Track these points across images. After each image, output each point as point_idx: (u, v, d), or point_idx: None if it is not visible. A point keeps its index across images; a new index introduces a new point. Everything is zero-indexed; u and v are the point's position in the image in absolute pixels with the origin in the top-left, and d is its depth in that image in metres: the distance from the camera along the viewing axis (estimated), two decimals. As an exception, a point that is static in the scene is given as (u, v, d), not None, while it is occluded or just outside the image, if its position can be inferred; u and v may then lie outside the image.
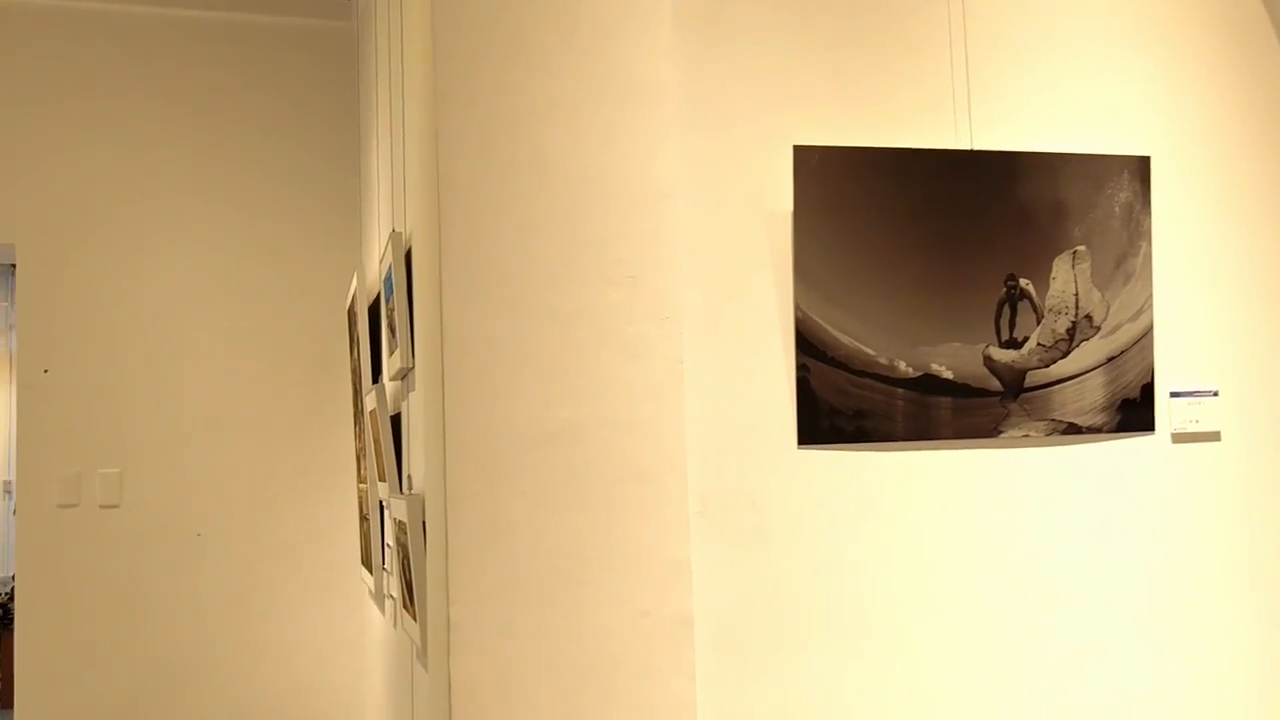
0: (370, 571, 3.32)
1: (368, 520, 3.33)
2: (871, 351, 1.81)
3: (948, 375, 1.84)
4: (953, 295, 1.85)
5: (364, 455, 3.31)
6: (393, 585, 2.86)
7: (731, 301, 1.78)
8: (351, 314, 3.54)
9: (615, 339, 1.65)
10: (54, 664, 3.73)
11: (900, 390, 1.82)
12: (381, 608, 3.21)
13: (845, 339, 1.80)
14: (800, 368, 1.79)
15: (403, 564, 2.24)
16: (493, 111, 1.61)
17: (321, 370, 4.01)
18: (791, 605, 1.73)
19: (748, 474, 1.75)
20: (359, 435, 3.48)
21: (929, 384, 1.83)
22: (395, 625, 2.83)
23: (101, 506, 3.83)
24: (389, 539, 2.93)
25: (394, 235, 2.35)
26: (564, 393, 1.62)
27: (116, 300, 3.88)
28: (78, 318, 3.84)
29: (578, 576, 1.60)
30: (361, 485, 3.49)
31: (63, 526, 3.79)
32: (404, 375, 2.51)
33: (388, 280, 2.48)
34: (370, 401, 2.87)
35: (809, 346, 1.79)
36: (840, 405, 1.80)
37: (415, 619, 2.08)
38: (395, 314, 2.37)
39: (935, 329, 1.84)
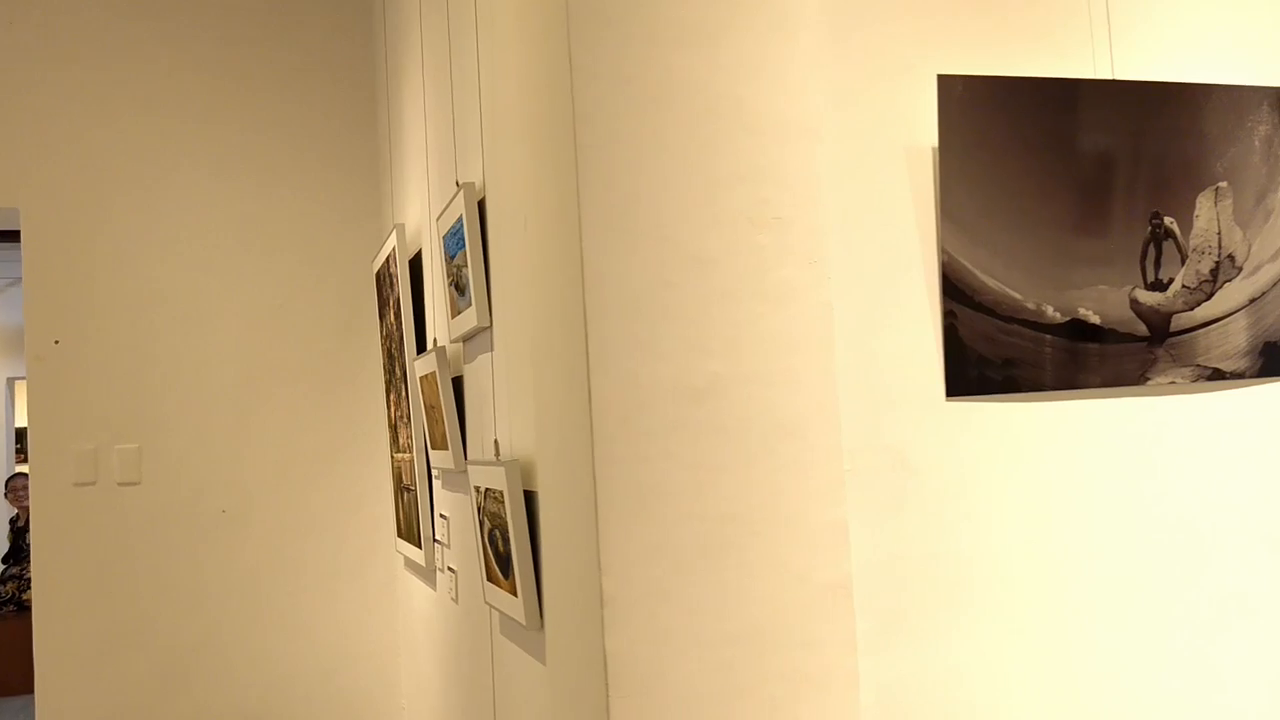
0: (414, 544, 3.19)
1: (411, 491, 3.19)
2: (1018, 295, 1.69)
3: (1095, 320, 1.73)
4: (1098, 235, 1.74)
5: (405, 423, 3.17)
6: (451, 558, 2.73)
7: (872, 244, 1.66)
8: (384, 276, 3.38)
9: (761, 285, 1.52)
10: (75, 649, 3.57)
11: (1048, 337, 1.71)
12: (431, 581, 3.08)
13: (992, 283, 1.69)
14: (947, 314, 1.68)
15: (488, 535, 2.12)
16: (630, 39, 1.47)
17: (348, 337, 3.85)
18: (944, 567, 1.62)
19: (894, 429, 1.64)
20: (396, 403, 3.34)
21: (1077, 329, 1.72)
22: (455, 599, 2.70)
23: (120, 484, 3.66)
24: (444, 510, 2.80)
25: (465, 187, 2.20)
26: (711, 345, 1.49)
27: (130, 266, 3.69)
28: (90, 285, 3.66)
29: (731, 542, 1.48)
30: (400, 455, 3.35)
31: (80, 505, 3.62)
32: (473, 336, 2.37)
33: (454, 236, 2.34)
34: (423, 365, 2.72)
35: (955, 291, 1.68)
36: (989, 353, 1.69)
37: (514, 592, 1.96)
38: (468, 271, 2.23)
39: (1081, 271, 1.72)
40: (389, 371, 3.48)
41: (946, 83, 1.67)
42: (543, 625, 1.90)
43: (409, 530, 3.30)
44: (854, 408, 1.62)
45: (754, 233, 1.52)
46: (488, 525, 2.12)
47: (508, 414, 2.10)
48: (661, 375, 1.47)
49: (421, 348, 3.05)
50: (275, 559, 3.74)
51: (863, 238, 1.66)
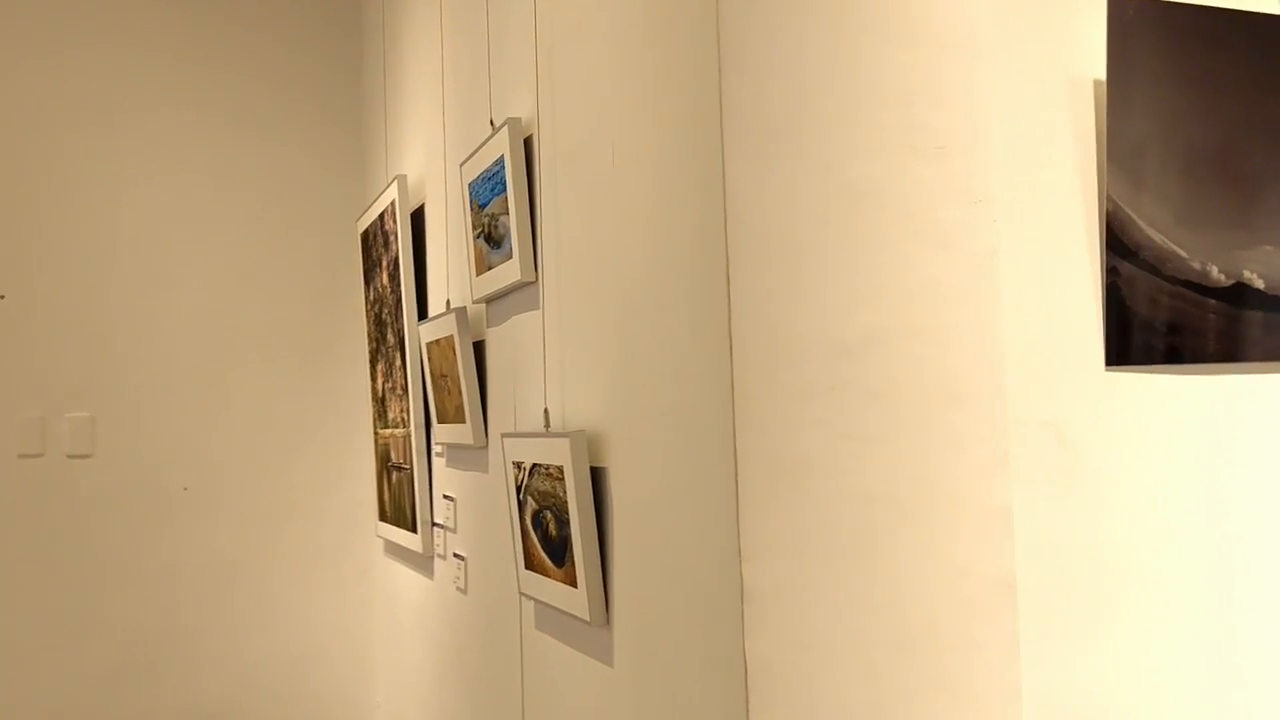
0: (406, 528, 2.91)
1: (402, 470, 2.91)
2: (1184, 253, 1.49)
3: (1259, 285, 1.53)
4: (1270, 189, 1.53)
5: (399, 396, 2.89)
6: (457, 543, 2.46)
7: (1025, 187, 1.44)
8: (374, 235, 3.09)
9: (921, 225, 1.29)
10: (19, 639, 3.22)
11: (1211, 301, 1.51)
12: (426, 569, 2.81)
13: (1157, 237, 1.47)
14: (1110, 271, 1.46)
15: (532, 518, 1.86)
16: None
17: (328, 301, 3.54)
18: (1108, 561, 1.41)
19: (1050, 400, 1.42)
20: (386, 374, 3.05)
21: (1241, 295, 1.52)
22: (462, 589, 2.44)
23: (70, 456, 3.31)
24: (449, 490, 2.53)
25: (510, 123, 1.93)
26: (865, 292, 1.26)
27: (84, 214, 3.34)
28: (38, 234, 3.30)
29: (883, 527, 1.25)
30: (389, 431, 3.07)
31: (25, 480, 3.27)
32: (505, 295, 2.10)
33: (488, 181, 2.07)
34: (433, 330, 2.45)
35: (1119, 245, 1.46)
36: (1152, 318, 1.48)
37: (570, 583, 1.70)
38: (509, 219, 1.97)
39: (1249, 229, 1.52)
40: (376, 340, 3.18)
41: (1119, 5, 1.45)
42: (608, 621, 1.66)
43: (397, 513, 3.02)
44: (1006, 375, 1.40)
45: (914, 163, 1.29)
46: (531, 506, 1.86)
47: (560, 381, 1.84)
48: (810, 325, 1.23)
49: (423, 312, 2.77)
50: (242, 542, 3.42)
51: (1016, 179, 1.43)
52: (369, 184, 3.46)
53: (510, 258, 2.00)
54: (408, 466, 2.86)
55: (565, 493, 1.70)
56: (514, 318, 2.10)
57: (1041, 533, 1.41)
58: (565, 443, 1.67)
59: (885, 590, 1.25)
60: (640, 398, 1.46)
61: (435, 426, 2.58)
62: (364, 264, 3.30)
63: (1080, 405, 1.45)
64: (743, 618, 1.18)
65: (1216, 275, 1.51)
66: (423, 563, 2.84)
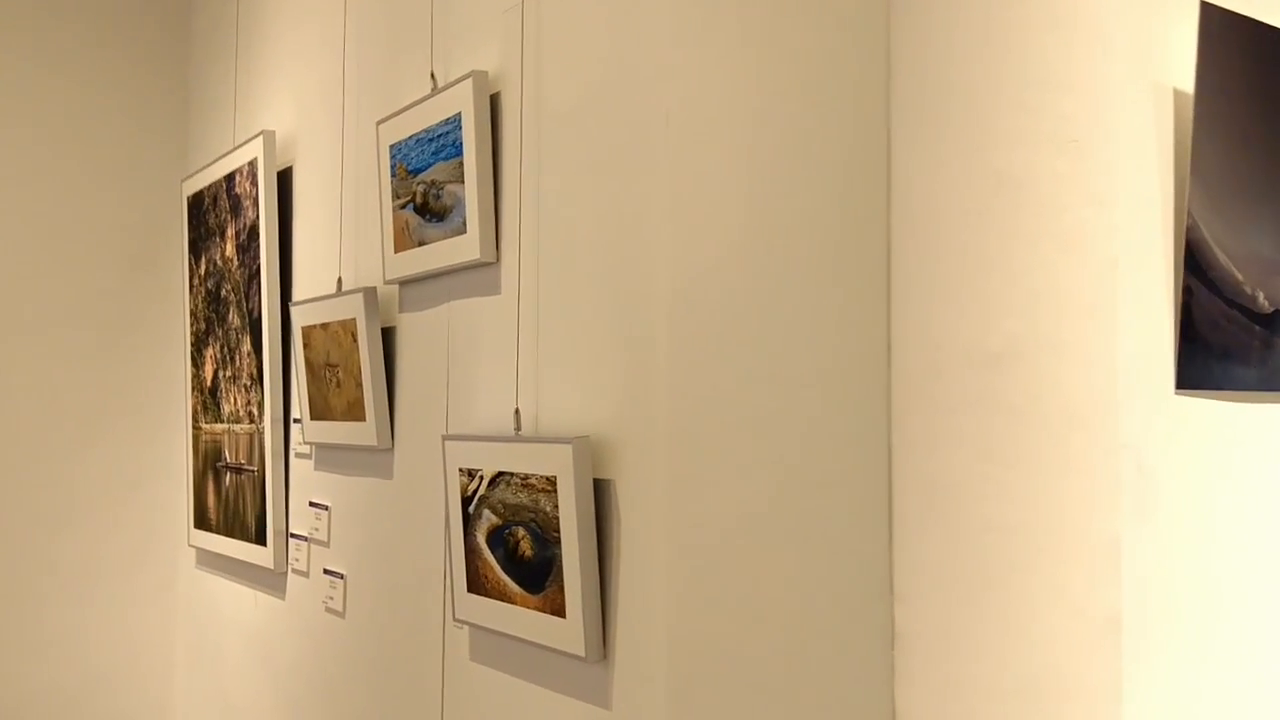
0: (243, 538, 2.53)
1: (245, 472, 2.53)
2: (1240, 277, 1.44)
3: (1293, 315, 1.51)
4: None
5: (240, 385, 2.51)
6: (332, 559, 2.15)
7: (1109, 196, 1.35)
8: (213, 199, 2.68)
9: (1054, 225, 1.17)
10: None
11: (1256, 328, 1.48)
12: (275, 586, 2.44)
13: (1222, 258, 1.42)
14: (1185, 290, 1.39)
15: (493, 535, 1.60)
16: None
17: (138, 273, 3.05)
18: (1192, 595, 1.33)
19: (1125, 424, 1.33)
20: (220, 360, 2.65)
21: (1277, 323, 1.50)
22: (339, 612, 2.12)
23: None
24: (318, 497, 2.21)
25: (475, 76, 1.67)
26: (1012, 296, 1.12)
27: None
28: None
29: (1017, 561, 1.11)
30: (221, 427, 2.66)
31: None
32: (435, 276, 1.83)
33: (429, 143, 1.79)
34: (320, 311, 2.12)
35: (1194, 264, 1.40)
36: (1214, 340, 1.42)
37: (556, 612, 1.47)
38: (462, 189, 1.70)
39: (1291, 257, 1.50)
40: (207, 320, 2.76)
41: (1210, 13, 1.39)
42: (605, 657, 1.43)
43: (232, 522, 2.62)
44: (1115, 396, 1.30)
45: (1052, 155, 1.17)
46: (490, 521, 1.61)
47: (533, 378, 1.59)
48: (959, 331, 1.08)
49: (286, 290, 2.41)
50: (17, 553, 2.88)
51: (1102, 186, 1.34)
52: (198, 140, 3.02)
53: (461, 233, 1.73)
54: (253, 469, 2.48)
55: (556, 508, 1.46)
56: (451, 303, 1.82)
57: (1127, 562, 1.32)
58: (565, 450, 1.43)
59: (1013, 631, 1.11)
60: (690, 403, 1.25)
61: (306, 424, 2.23)
62: (191, 232, 2.86)
63: (1153, 429, 1.37)
64: (893, 665, 1.00)
65: (1262, 302, 1.49)
66: (270, 580, 2.46)
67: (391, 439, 1.99)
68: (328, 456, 2.22)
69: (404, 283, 1.95)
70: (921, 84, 1.05)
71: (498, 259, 1.69)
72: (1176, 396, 1.39)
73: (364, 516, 2.08)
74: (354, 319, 2.01)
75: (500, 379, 1.67)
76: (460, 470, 1.68)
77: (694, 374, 1.24)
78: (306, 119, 2.36)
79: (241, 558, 2.55)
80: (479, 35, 1.76)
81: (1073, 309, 1.19)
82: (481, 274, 1.73)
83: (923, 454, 1.03)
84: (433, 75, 1.85)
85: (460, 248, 1.74)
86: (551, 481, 1.47)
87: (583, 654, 1.43)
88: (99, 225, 2.98)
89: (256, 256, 2.45)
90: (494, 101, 1.70)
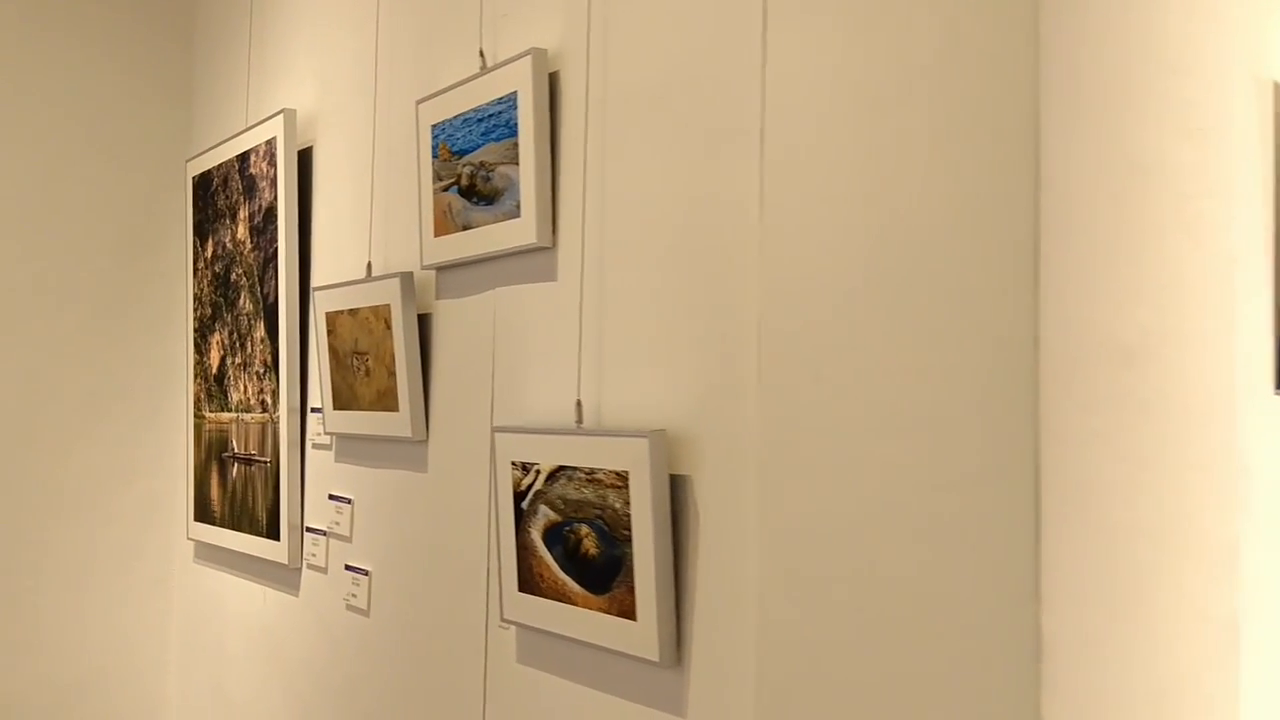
0: (252, 533, 2.44)
1: (254, 462, 2.44)
2: (1329, 276, 1.40)
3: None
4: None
5: (250, 373, 2.42)
6: (355, 554, 2.07)
7: (1206, 191, 1.31)
8: (225, 179, 2.58)
9: (1179, 215, 1.12)
10: None
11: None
12: (287, 583, 2.35)
13: (1318, 255, 1.38)
14: (1283, 288, 1.36)
15: (551, 532, 1.54)
16: None
17: (138, 253, 2.94)
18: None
19: (1224, 424, 1.29)
20: (229, 346, 2.56)
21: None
22: (364, 610, 2.05)
23: None
24: (338, 490, 2.13)
25: (534, 54, 1.60)
26: (1145, 286, 1.07)
27: None
28: None
29: (1149, 564, 1.07)
30: (230, 416, 2.57)
31: None
32: (477, 262, 1.76)
33: (476, 124, 1.72)
34: (351, 297, 2.04)
35: (1293, 261, 1.36)
36: (1310, 341, 1.39)
37: (624, 614, 1.40)
38: (517, 171, 1.63)
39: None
40: (215, 305, 2.66)
41: (1316, 2, 1.35)
42: (679, 661, 1.37)
43: (240, 515, 2.53)
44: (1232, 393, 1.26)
45: (1180, 144, 1.12)
46: (547, 517, 1.54)
47: (596, 369, 1.53)
48: (1097, 324, 1.03)
49: (305, 274, 2.32)
50: (5, 545, 2.76)
51: (1222, 177, 1.30)
52: (204, 118, 2.91)
53: (514, 217, 1.66)
54: (265, 459, 2.39)
55: (627, 504, 1.39)
56: (498, 289, 1.75)
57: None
58: (640, 444, 1.37)
59: (1149, 638, 1.06)
60: (795, 398, 1.19)
61: (328, 414, 2.15)
62: (198, 213, 2.76)
63: (1250, 431, 1.33)
64: (1039, 677, 0.95)
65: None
66: (282, 575, 2.37)
67: (426, 430, 1.91)
68: (351, 448, 2.14)
69: (442, 268, 1.88)
70: (1069, 62, 0.99)
71: (554, 244, 1.62)
72: (1275, 396, 1.36)
73: (392, 511, 2.00)
74: (388, 305, 1.93)
75: (557, 369, 1.60)
76: (513, 464, 1.61)
77: (800, 368, 1.18)
78: (330, 97, 2.28)
79: (249, 552, 2.46)
80: (534, 11, 1.69)
81: (1195, 303, 1.14)
82: (535, 259, 1.66)
83: (1068, 452, 0.98)
84: (481, 53, 1.78)
85: (513, 232, 1.67)
86: (623, 477, 1.40)
87: (656, 658, 1.36)
88: (95, 203, 2.87)
89: (273, 240, 2.36)
90: (552, 80, 1.63)
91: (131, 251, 2.91)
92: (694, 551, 1.36)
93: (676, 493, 1.38)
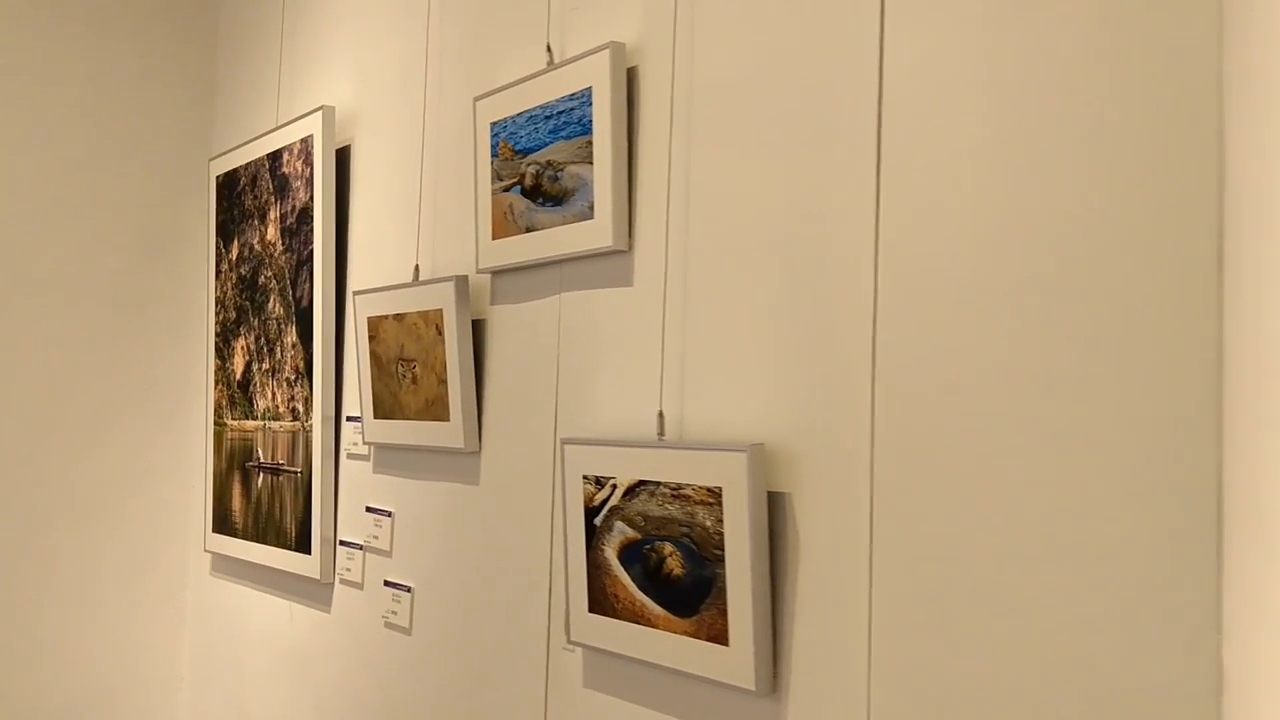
0: (281, 545, 2.35)
1: (282, 472, 2.35)
2: None
3: None
4: None
5: (283, 381, 2.33)
6: (394, 570, 1.98)
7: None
8: (256, 177, 2.50)
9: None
10: None
11: None
12: (318, 598, 2.26)
13: None
14: None
15: (628, 551, 1.46)
16: None
17: (155, 254, 2.84)
18: None
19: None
20: (255, 352, 2.47)
21: None
22: (406, 628, 1.96)
23: None
24: (375, 501, 2.04)
25: (613, 49, 1.53)
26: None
27: None
28: None
29: (1312, 594, 0.99)
30: (255, 424, 2.48)
31: None
32: (553, 265, 1.68)
33: (551, 119, 1.65)
34: (394, 301, 1.96)
35: None
36: None
37: (716, 639, 1.32)
38: (598, 170, 1.56)
39: None
40: (239, 309, 2.57)
41: None
42: (775, 689, 1.29)
43: (265, 526, 2.43)
44: None
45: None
46: (624, 535, 1.46)
47: (678, 379, 1.45)
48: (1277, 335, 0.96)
49: (341, 278, 2.24)
50: (14, 554, 2.66)
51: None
52: (228, 116, 2.82)
53: (586, 219, 1.58)
54: (296, 469, 2.30)
55: (719, 522, 1.31)
56: (564, 294, 1.67)
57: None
58: (737, 459, 1.29)
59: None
60: (924, 413, 1.11)
61: (368, 422, 2.06)
62: (221, 213, 2.67)
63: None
64: (1220, 712, 0.88)
65: None
66: (312, 590, 2.28)
67: (479, 441, 1.83)
68: (392, 458, 2.05)
69: (498, 272, 1.80)
70: (1259, 47, 0.93)
71: (630, 247, 1.55)
72: None
73: (439, 525, 1.91)
74: (439, 310, 1.85)
75: (632, 379, 1.52)
76: (585, 477, 1.53)
77: (929, 379, 1.11)
78: (371, 94, 2.20)
79: (275, 566, 2.37)
80: (607, 5, 1.61)
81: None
82: (609, 263, 1.58)
83: (1254, 473, 0.91)
84: (549, 48, 1.70)
85: (584, 234, 1.59)
86: (714, 493, 1.32)
87: (751, 686, 1.28)
88: (112, 202, 2.77)
89: (308, 241, 2.27)
90: (630, 76, 1.56)
91: (148, 252, 2.82)
92: (792, 573, 1.28)
93: (773, 510, 1.30)
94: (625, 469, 1.46)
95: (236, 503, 2.56)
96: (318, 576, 2.20)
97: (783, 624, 1.29)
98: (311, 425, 2.25)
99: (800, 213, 1.30)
